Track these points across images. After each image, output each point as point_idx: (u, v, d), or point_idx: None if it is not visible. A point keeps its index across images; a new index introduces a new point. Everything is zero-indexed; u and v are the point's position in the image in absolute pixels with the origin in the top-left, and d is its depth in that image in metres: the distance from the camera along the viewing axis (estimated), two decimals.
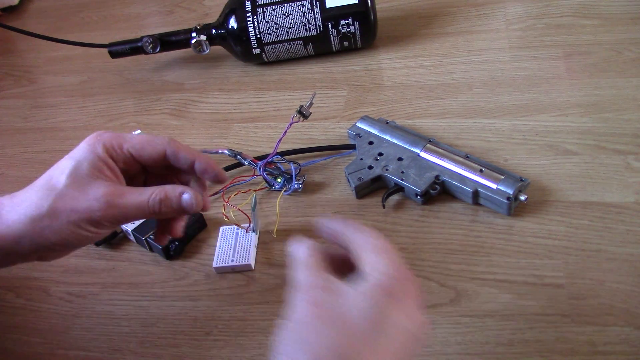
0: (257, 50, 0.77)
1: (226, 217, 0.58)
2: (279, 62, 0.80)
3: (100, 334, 0.53)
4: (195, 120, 0.75)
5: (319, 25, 0.74)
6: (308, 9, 0.74)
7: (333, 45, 0.77)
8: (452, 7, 0.83)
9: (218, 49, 0.81)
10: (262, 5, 0.75)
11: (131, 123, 0.77)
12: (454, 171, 0.56)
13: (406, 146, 0.59)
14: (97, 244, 0.60)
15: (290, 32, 0.75)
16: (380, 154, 0.59)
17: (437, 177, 0.56)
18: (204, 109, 0.76)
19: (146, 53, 0.81)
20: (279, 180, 0.61)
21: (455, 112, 0.66)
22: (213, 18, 0.81)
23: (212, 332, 0.51)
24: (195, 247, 0.58)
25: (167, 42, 0.80)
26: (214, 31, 0.78)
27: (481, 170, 0.55)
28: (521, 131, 0.61)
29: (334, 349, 0.32)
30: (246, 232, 0.57)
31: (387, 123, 0.63)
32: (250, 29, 0.75)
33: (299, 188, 0.60)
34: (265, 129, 0.70)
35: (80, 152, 0.43)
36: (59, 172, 0.42)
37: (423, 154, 0.58)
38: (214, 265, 0.55)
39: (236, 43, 0.77)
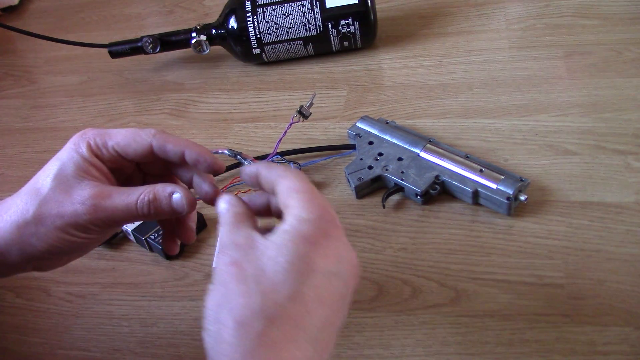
0: (257, 50, 0.77)
1: None
2: (279, 62, 0.80)
3: (100, 334, 0.53)
4: (195, 120, 0.75)
5: (319, 25, 0.74)
6: (308, 9, 0.74)
7: (333, 45, 0.77)
8: (452, 7, 0.83)
9: (218, 49, 0.81)
10: (262, 5, 0.75)
11: (131, 123, 0.77)
12: (454, 171, 0.56)
13: (406, 146, 0.59)
14: None
15: (290, 32, 0.75)
16: (380, 154, 0.59)
17: (437, 177, 0.56)
18: (204, 109, 0.76)
19: (146, 53, 0.81)
20: None
21: (455, 112, 0.66)
22: (213, 18, 0.81)
23: None
24: (195, 247, 0.58)
25: (167, 42, 0.80)
26: (214, 31, 0.78)
27: (481, 170, 0.55)
28: (521, 131, 0.61)
29: (258, 309, 0.31)
30: None
31: (387, 123, 0.63)
32: (250, 29, 0.75)
33: None
34: (265, 129, 0.70)
35: (65, 152, 0.40)
36: (45, 175, 0.39)
37: (423, 154, 0.58)
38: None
39: (236, 43, 0.77)
